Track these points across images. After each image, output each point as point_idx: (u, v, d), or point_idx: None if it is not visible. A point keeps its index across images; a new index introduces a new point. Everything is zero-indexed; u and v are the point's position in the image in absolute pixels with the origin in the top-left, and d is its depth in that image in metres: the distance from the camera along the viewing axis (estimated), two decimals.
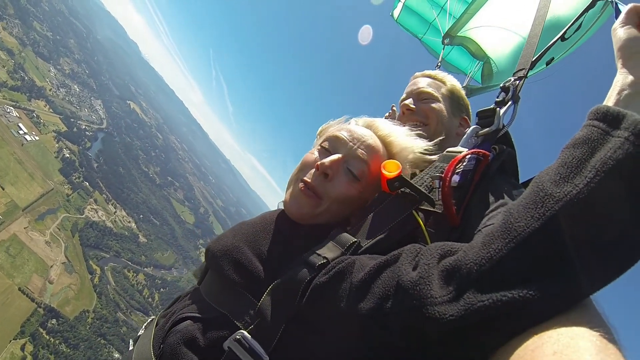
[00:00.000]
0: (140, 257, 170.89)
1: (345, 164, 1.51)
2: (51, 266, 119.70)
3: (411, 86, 2.26)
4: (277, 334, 1.15)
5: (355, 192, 1.51)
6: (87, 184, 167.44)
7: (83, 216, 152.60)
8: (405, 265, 0.97)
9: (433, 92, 2.17)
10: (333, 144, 1.57)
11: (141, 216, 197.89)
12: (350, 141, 1.55)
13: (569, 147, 0.82)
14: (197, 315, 1.30)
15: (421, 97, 2.17)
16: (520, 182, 1.64)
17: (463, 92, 2.30)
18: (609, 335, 0.66)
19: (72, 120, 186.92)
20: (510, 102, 1.66)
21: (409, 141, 1.64)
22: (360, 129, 1.61)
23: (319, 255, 1.23)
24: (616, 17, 1.26)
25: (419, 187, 1.39)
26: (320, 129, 1.78)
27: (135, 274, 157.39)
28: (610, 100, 0.96)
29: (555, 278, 0.73)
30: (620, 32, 1.07)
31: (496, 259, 0.78)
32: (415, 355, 0.94)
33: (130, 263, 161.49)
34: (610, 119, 0.79)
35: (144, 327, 1.56)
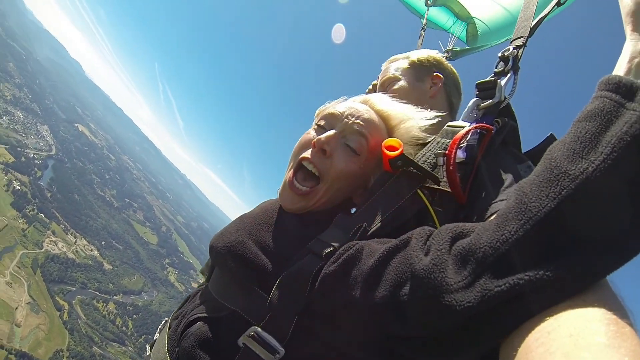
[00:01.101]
0: (108, 286, 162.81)
1: (343, 139, 1.50)
2: (16, 308, 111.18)
3: (379, 78, 2.29)
4: (291, 326, 1.15)
5: (356, 168, 1.49)
6: (43, 215, 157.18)
7: (42, 250, 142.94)
8: (417, 251, 0.95)
9: (393, 75, 2.18)
10: (329, 120, 1.56)
11: (103, 243, 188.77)
12: (346, 116, 1.53)
13: (581, 120, 0.80)
14: (208, 315, 1.30)
15: (385, 85, 2.19)
16: (523, 152, 1.61)
17: (427, 56, 2.25)
18: (625, 318, 0.65)
19: (18, 149, 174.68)
20: (510, 73, 1.62)
21: (407, 113, 1.61)
22: (356, 104, 1.59)
23: (324, 243, 1.22)
24: None
25: (422, 165, 1.38)
26: (317, 110, 1.74)
27: (105, 304, 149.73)
28: (620, 69, 0.90)
29: (572, 259, 0.71)
30: None
31: (512, 241, 0.77)
32: (429, 343, 0.92)
33: (98, 293, 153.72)
34: (624, 90, 0.77)
35: (158, 330, 1.56)
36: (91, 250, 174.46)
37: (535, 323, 0.70)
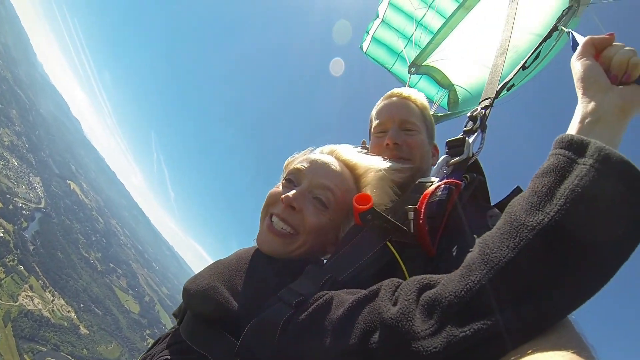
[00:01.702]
0: (82, 351, 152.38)
1: (310, 194, 1.54)
2: None
3: (390, 111, 2.08)
4: None
5: (327, 220, 1.53)
6: (22, 267, 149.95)
7: (17, 304, 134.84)
8: (385, 301, 0.97)
9: (417, 122, 2.02)
10: (295, 176, 1.60)
11: (82, 305, 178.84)
12: (313, 170, 1.57)
13: (538, 176, 0.88)
14: (175, 358, 1.31)
15: (405, 127, 2.00)
16: (493, 204, 1.66)
17: (433, 122, 2.20)
18: (587, 355, 0.69)
19: (7, 196, 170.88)
20: (478, 131, 1.69)
21: (373, 161, 1.66)
22: (322, 156, 1.64)
23: (295, 292, 1.22)
24: (572, 46, 1.40)
25: (392, 219, 1.40)
26: (285, 162, 1.79)
27: None
28: (573, 129, 1.02)
29: (532, 303, 0.76)
30: (578, 64, 1.14)
31: (475, 290, 0.81)
32: None
33: (70, 358, 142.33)
34: (575, 147, 0.86)
35: None
36: (68, 311, 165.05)
37: None
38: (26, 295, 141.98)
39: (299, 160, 1.66)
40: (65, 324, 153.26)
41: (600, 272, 0.76)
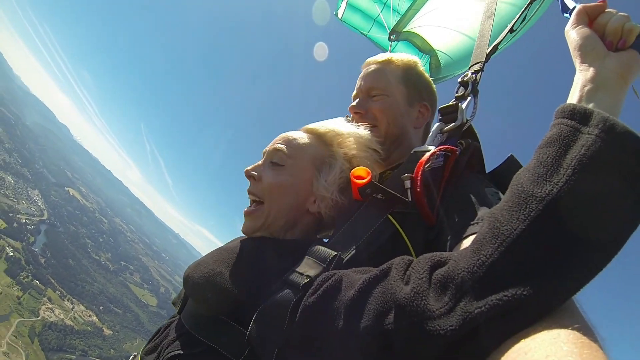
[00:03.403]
0: (109, 352, 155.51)
1: (268, 161, 1.59)
2: None
3: (360, 79, 2.04)
4: None
5: (285, 177, 1.53)
6: (38, 282, 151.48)
7: (39, 318, 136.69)
8: (397, 281, 0.96)
9: (383, 86, 1.94)
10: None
11: (101, 307, 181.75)
12: (271, 144, 1.63)
13: (542, 147, 0.86)
14: (184, 352, 1.25)
15: (370, 93, 1.96)
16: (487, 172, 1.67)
17: (421, 68, 2.06)
18: (595, 338, 0.68)
19: (10, 215, 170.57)
20: (470, 96, 1.68)
21: (339, 127, 1.65)
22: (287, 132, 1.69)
23: (300, 274, 1.19)
24: (562, 8, 1.40)
25: (391, 190, 1.39)
26: None
27: None
28: (573, 98, 1.01)
29: (546, 276, 0.75)
30: (573, 33, 1.14)
31: (488, 264, 0.79)
32: None
33: None
34: (579, 117, 0.83)
35: None
36: (89, 315, 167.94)
37: (513, 343, 0.73)
38: (46, 308, 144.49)
39: None
40: (89, 328, 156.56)
41: (610, 241, 0.75)
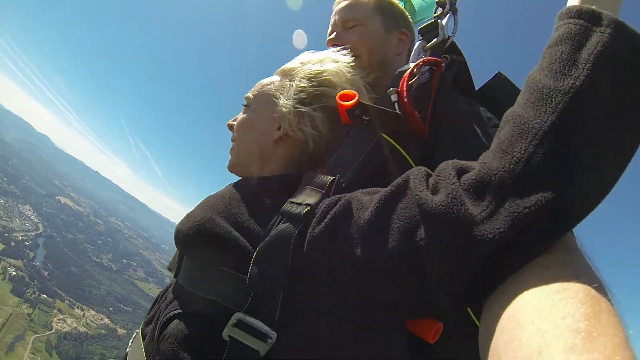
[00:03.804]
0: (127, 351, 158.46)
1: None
2: None
3: (334, 16, 1.98)
4: (277, 304, 1.00)
5: (248, 115, 1.54)
6: (45, 295, 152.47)
7: (53, 331, 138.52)
8: (423, 191, 0.86)
9: (359, 17, 1.89)
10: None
11: (111, 309, 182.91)
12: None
13: (552, 46, 0.84)
14: (183, 310, 1.15)
15: (346, 25, 1.91)
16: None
17: (397, 5, 2.01)
18: (608, 300, 0.65)
19: (6, 235, 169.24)
20: (449, 13, 1.65)
21: (307, 55, 1.60)
22: None
23: (298, 204, 1.09)
24: None
25: (380, 107, 1.32)
26: None
27: None
28: (574, 0, 0.94)
29: (583, 167, 0.73)
30: None
31: (524, 159, 0.75)
32: (433, 298, 0.87)
33: None
34: (587, 17, 0.81)
35: (130, 343, 1.43)
36: (101, 319, 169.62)
37: (524, 295, 0.69)
38: (58, 320, 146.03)
39: None
40: (103, 331, 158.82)
41: (634, 132, 0.75)
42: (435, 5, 1.69)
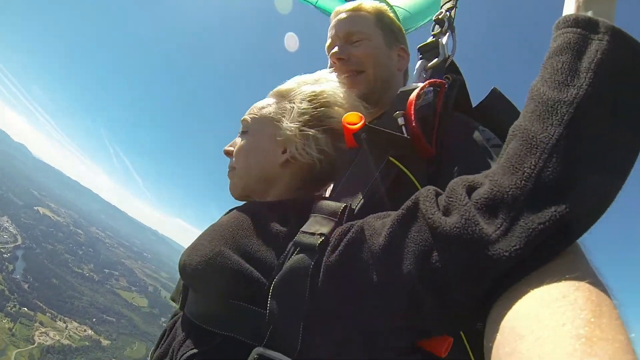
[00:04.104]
0: None
1: (239, 134, 1.58)
2: None
3: (333, 28, 1.94)
4: (299, 335, 0.99)
5: (248, 140, 1.52)
6: (26, 309, 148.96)
7: (35, 345, 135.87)
8: (435, 214, 0.87)
9: (362, 30, 1.87)
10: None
11: (94, 320, 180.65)
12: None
13: (553, 56, 0.85)
14: (199, 349, 1.10)
15: (350, 39, 1.87)
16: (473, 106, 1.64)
17: (391, 14, 2.01)
18: (610, 303, 0.65)
19: None
20: (448, 32, 1.66)
21: (301, 77, 1.61)
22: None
23: (311, 234, 1.08)
24: None
25: (387, 130, 1.31)
26: None
27: None
28: (570, 8, 0.96)
29: (595, 175, 0.74)
30: None
31: (535, 175, 0.75)
32: (450, 317, 0.89)
33: None
34: (584, 25, 0.83)
35: None
36: (84, 330, 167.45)
37: (522, 304, 0.70)
38: (40, 333, 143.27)
39: None
40: (87, 343, 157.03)
41: (637, 134, 0.77)
42: (433, 23, 1.71)
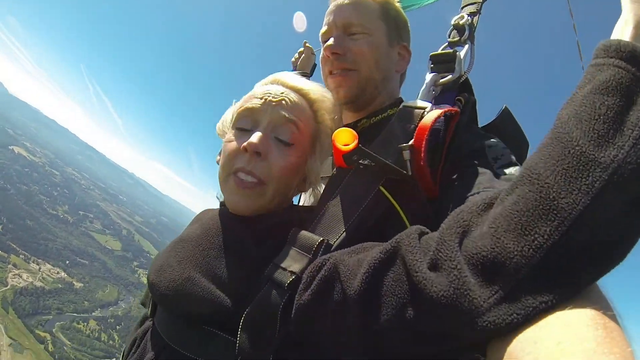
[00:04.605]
0: (84, 304, 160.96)
1: (273, 134, 1.31)
2: None
3: (331, 14, 1.65)
4: None
5: (294, 159, 1.32)
6: None
7: (8, 287, 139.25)
8: (420, 268, 0.77)
9: (364, 22, 1.59)
10: (249, 118, 1.34)
11: (67, 262, 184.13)
12: (269, 104, 1.31)
13: (597, 93, 0.68)
14: None
15: (348, 30, 1.60)
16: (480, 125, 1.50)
17: (398, 4, 1.71)
18: (613, 320, 0.61)
19: None
20: (467, 43, 1.48)
21: (320, 89, 1.44)
22: (270, 87, 1.36)
23: (284, 270, 1.03)
24: None
25: (385, 160, 1.15)
26: (218, 126, 1.52)
27: (85, 324, 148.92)
28: (626, 35, 0.76)
29: (601, 259, 0.65)
30: None
31: (546, 247, 0.64)
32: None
33: (76, 314, 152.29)
34: (634, 64, 0.67)
35: None
36: (57, 272, 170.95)
37: (522, 330, 0.64)
38: (13, 275, 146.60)
39: (243, 101, 1.39)
40: (59, 285, 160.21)
41: None
42: (451, 27, 1.52)
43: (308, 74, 2.06)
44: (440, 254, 0.76)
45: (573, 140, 0.67)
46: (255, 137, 1.26)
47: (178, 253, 1.17)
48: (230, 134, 1.37)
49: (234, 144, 1.32)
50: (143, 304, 1.41)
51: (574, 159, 0.65)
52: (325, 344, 0.96)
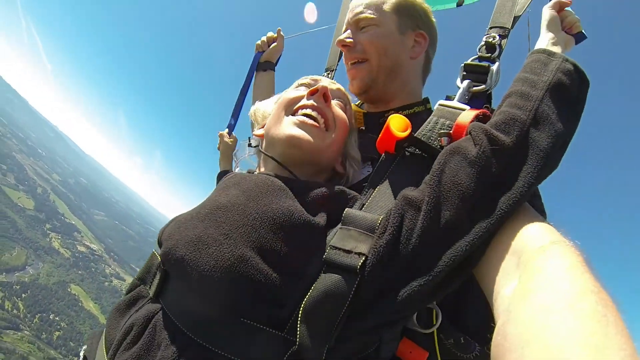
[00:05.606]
0: None
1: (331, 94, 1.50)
2: None
3: (350, 12, 1.87)
4: (322, 357, 0.91)
5: (346, 127, 1.48)
6: None
7: None
8: (467, 142, 1.09)
9: (371, 16, 1.77)
10: (309, 83, 1.53)
11: None
12: (325, 80, 1.52)
13: (530, 63, 1.27)
14: None
15: (359, 25, 1.81)
16: None
17: (416, 2, 1.88)
18: (614, 310, 0.65)
19: None
20: (497, 61, 1.63)
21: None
22: (312, 78, 1.60)
23: (348, 252, 0.97)
24: None
25: (432, 146, 1.26)
26: (255, 109, 1.72)
27: None
28: (542, 44, 1.46)
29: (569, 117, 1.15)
30: (549, 12, 1.57)
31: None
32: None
33: None
34: (548, 53, 1.27)
35: None
36: None
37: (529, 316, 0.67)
38: None
39: (295, 85, 1.58)
40: None
41: (574, 112, 1.16)
42: (483, 43, 1.67)
43: (273, 64, 2.30)
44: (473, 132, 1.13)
45: (526, 79, 1.20)
46: (326, 81, 1.44)
47: (222, 225, 1.04)
48: (293, 89, 1.54)
49: (300, 89, 1.48)
50: (142, 279, 1.23)
51: (529, 85, 1.17)
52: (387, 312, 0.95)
